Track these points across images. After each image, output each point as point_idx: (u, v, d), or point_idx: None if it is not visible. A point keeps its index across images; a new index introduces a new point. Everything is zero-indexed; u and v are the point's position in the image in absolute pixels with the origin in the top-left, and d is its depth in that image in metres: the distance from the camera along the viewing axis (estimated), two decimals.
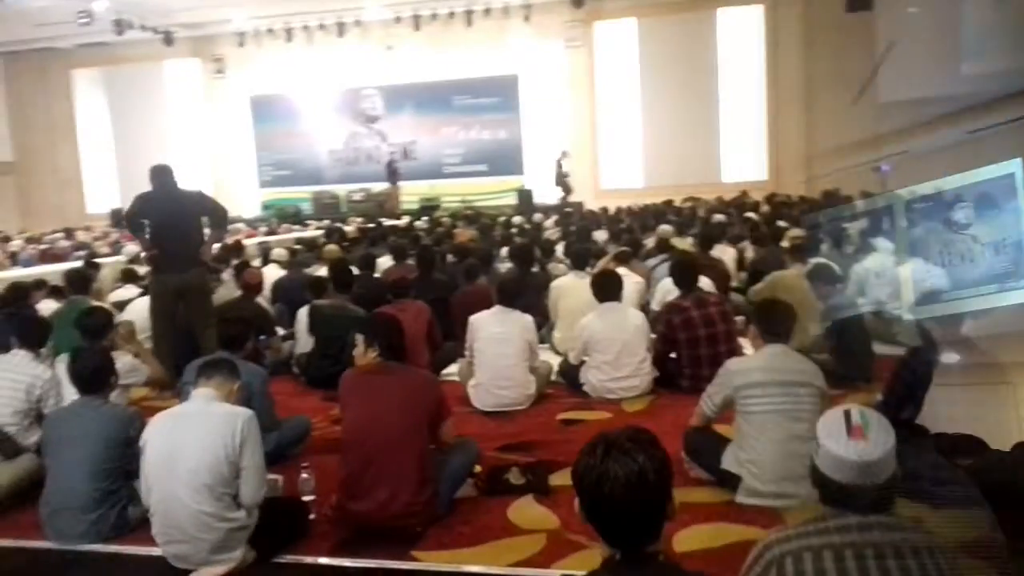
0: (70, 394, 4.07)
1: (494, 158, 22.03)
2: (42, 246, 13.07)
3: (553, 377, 5.83)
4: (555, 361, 6.00)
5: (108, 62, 23.20)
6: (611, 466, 1.80)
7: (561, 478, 4.09)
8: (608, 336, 5.39)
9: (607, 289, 5.58)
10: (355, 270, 7.83)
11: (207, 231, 6.45)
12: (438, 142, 22.33)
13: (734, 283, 8.25)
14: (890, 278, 6.64)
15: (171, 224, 6.04)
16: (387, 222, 15.33)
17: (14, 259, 10.67)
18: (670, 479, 1.86)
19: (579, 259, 7.02)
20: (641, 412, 5.18)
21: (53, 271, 8.33)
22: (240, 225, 16.93)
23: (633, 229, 10.87)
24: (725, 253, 9.01)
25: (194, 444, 3.15)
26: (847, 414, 2.11)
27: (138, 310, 6.31)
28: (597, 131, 21.83)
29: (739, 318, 6.91)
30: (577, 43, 21.52)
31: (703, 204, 16.99)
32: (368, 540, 3.47)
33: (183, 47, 22.18)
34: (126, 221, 6.34)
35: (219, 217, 6.49)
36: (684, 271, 5.85)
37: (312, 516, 3.68)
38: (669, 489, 1.85)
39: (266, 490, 3.70)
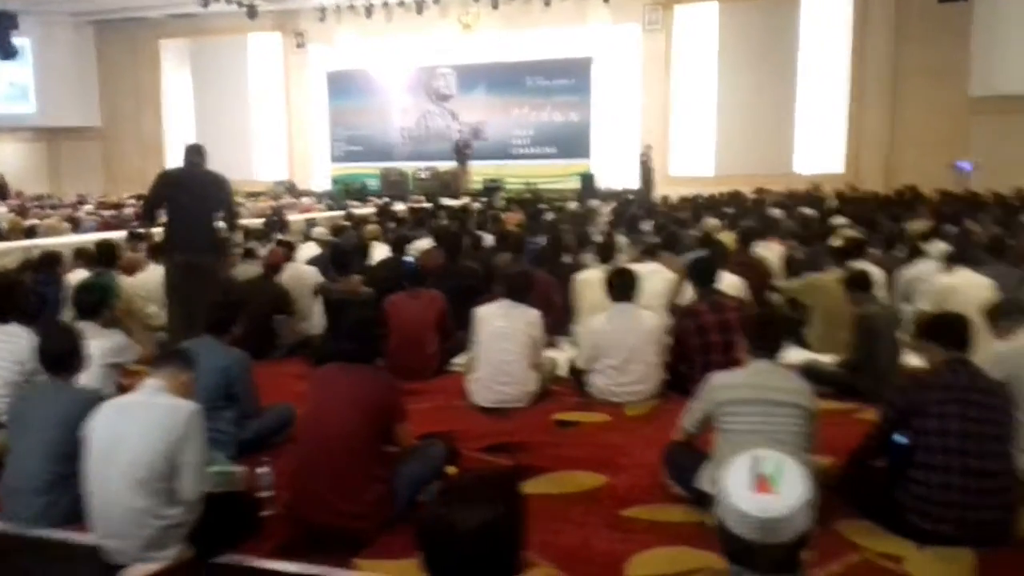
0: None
1: (563, 141, 21.75)
2: (110, 212, 13.42)
3: (563, 373, 5.65)
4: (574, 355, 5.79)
5: (194, 33, 23.73)
6: (458, 515, 1.62)
7: (537, 485, 3.95)
8: (616, 341, 5.15)
9: (620, 289, 5.33)
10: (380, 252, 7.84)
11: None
12: (508, 123, 22.15)
13: (779, 283, 7.89)
14: (935, 286, 6.28)
15: (189, 205, 6.07)
16: (446, 202, 15.28)
17: (76, 225, 10.93)
18: (522, 528, 1.68)
19: (605, 252, 6.78)
20: (640, 417, 4.97)
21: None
22: (306, 199, 17.15)
23: (684, 220, 10.54)
24: (771, 250, 8.62)
25: (133, 437, 3.08)
26: (755, 461, 1.90)
27: (150, 285, 6.36)
28: (670, 117, 21.34)
29: None
30: (656, 27, 21.01)
31: (773, 195, 16.44)
32: (315, 542, 3.37)
33: (266, 21, 22.45)
34: (144, 206, 6.38)
35: (231, 217, 6.49)
36: (702, 270, 5.55)
37: (268, 513, 3.60)
38: (520, 539, 1.67)
39: (222, 484, 3.69)
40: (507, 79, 21.99)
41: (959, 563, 3.08)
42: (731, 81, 20.74)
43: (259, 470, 3.69)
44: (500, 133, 22.20)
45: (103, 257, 6.14)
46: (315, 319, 6.59)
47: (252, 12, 20.31)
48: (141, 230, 8.39)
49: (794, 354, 6.30)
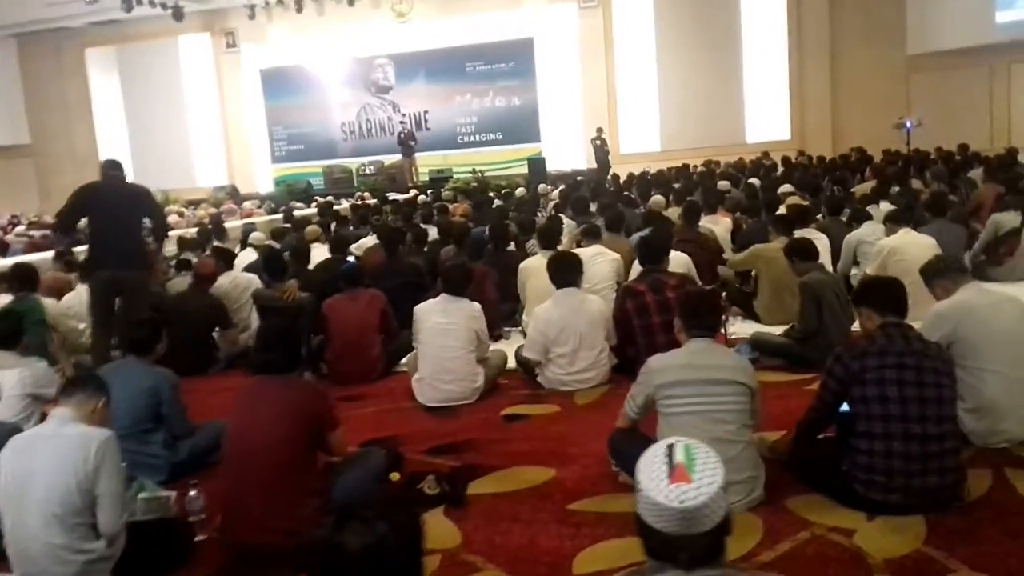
0: None
1: (509, 126, 21.63)
2: (41, 231, 13.00)
3: (512, 365, 5.53)
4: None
5: (121, 40, 23.21)
6: (346, 538, 1.53)
7: (483, 485, 3.84)
8: (564, 328, 5.04)
9: (561, 274, 5.23)
10: (321, 254, 7.65)
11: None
12: (451, 111, 21.97)
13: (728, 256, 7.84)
14: (878, 248, 6.26)
15: (111, 219, 5.87)
16: (392, 196, 15.06)
17: (4, 248, 10.55)
18: (418, 549, 1.58)
19: (547, 238, 6.67)
20: (592, 404, 4.87)
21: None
22: (248, 204, 16.81)
23: (633, 199, 10.46)
24: (719, 223, 8.58)
25: (44, 471, 2.90)
26: (669, 451, 1.80)
27: (79, 307, 6.13)
28: (615, 94, 21.29)
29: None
30: (592, 4, 20.95)
31: (722, 168, 16.46)
32: (250, 565, 3.22)
33: (194, 22, 22.01)
34: (57, 218, 6.18)
35: (159, 224, 6.30)
36: (650, 249, 5.46)
37: (201, 537, 3.44)
38: (417, 561, 1.57)
39: (153, 510, 3.53)
40: (447, 66, 21.80)
41: (909, 532, 3.02)
42: (672, 55, 20.75)
43: (189, 493, 3.52)
44: (444, 122, 22.01)
45: (22, 281, 5.88)
46: (255, 328, 6.39)
47: (178, 14, 19.85)
48: (65, 249, 8.12)
49: (742, 327, 6.28)
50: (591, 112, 21.07)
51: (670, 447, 1.81)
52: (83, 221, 6.08)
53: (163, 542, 3.33)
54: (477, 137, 21.89)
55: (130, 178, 19.42)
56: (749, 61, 20.60)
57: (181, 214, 15.35)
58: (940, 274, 4.04)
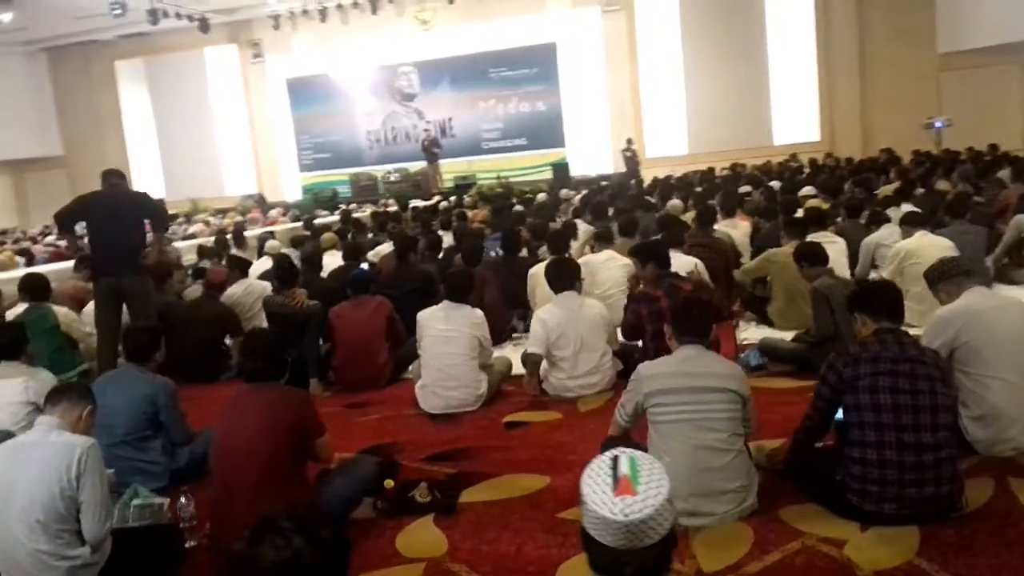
0: None
1: (533, 131, 21.62)
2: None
3: (518, 370, 5.48)
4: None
5: (149, 52, 23.54)
6: (262, 550, 1.49)
7: (476, 493, 3.81)
8: (564, 331, 5.00)
9: (560, 278, 5.20)
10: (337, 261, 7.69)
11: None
12: (476, 117, 22.01)
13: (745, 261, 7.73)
14: (894, 251, 6.15)
15: (110, 227, 5.94)
16: (415, 203, 15.11)
17: (31, 258, 10.73)
18: (338, 568, 1.54)
19: (557, 244, 6.63)
20: (594, 411, 4.80)
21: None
22: (274, 212, 16.96)
23: (654, 204, 10.37)
24: (737, 227, 8.49)
25: (28, 478, 2.92)
26: (614, 463, 1.76)
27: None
28: (640, 98, 21.19)
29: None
30: (615, 7, 20.87)
31: (749, 170, 16.31)
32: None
33: (220, 34, 22.26)
34: (56, 219, 6.27)
35: (160, 220, 6.35)
36: (647, 254, 5.38)
37: (191, 543, 3.45)
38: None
39: (146, 516, 3.55)
40: (471, 72, 21.84)
41: (901, 544, 2.94)
42: (697, 57, 20.61)
43: (180, 500, 3.53)
44: (469, 128, 22.05)
45: (34, 290, 5.96)
46: None
47: (204, 26, 20.09)
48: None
49: (756, 332, 6.20)
50: (616, 116, 21.00)
51: (615, 459, 1.77)
52: (83, 228, 6.16)
53: (155, 548, 3.33)
54: (502, 143, 21.90)
55: (160, 187, 19.95)
56: (776, 62, 20.40)
57: (207, 223, 15.53)
58: (944, 278, 3.94)
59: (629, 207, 9.52)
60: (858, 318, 3.37)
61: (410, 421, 4.98)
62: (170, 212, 19.92)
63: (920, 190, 9.53)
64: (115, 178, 6.17)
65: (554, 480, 3.86)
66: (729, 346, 5.62)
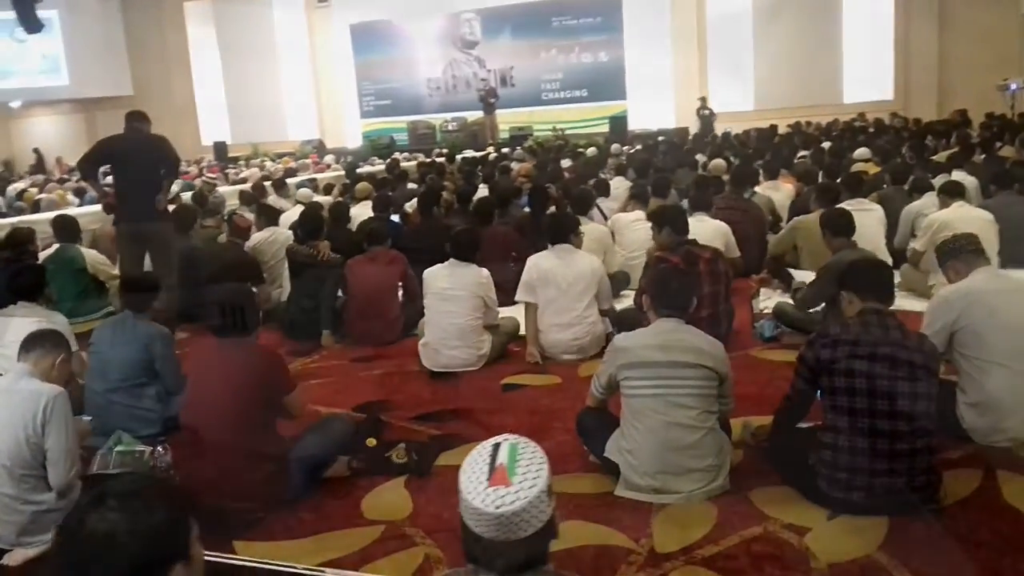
0: None
1: (594, 83, 21.25)
2: None
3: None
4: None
5: None
6: (91, 518, 1.41)
7: (454, 456, 3.76)
8: (553, 275, 5.01)
9: (555, 230, 5.20)
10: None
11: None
12: (537, 67, 21.71)
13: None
14: (930, 221, 5.86)
15: (133, 171, 5.98)
16: (467, 154, 15.02)
17: (81, 196, 10.99)
18: (166, 550, 1.45)
19: (580, 203, 6.51)
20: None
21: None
22: (329, 158, 17.06)
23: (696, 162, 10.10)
24: (780, 190, 8.22)
25: None
26: (494, 451, 1.70)
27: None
28: (706, 50, 20.60)
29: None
30: None
31: (812, 129, 15.79)
32: (206, 524, 3.26)
33: None
34: (78, 166, 6.34)
35: (171, 165, 6.37)
36: (665, 218, 5.23)
37: None
38: (154, 561, 1.43)
39: (127, 464, 3.62)
40: (534, 21, 21.50)
41: (866, 535, 2.82)
42: (768, 8, 19.89)
43: (156, 450, 3.60)
44: (529, 78, 21.76)
45: (63, 231, 6.10)
46: (287, 284, 6.49)
47: None
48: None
49: (776, 301, 6.00)
50: (681, 69, 20.47)
51: (496, 447, 1.71)
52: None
53: None
54: (562, 94, 21.58)
55: (225, 130, 20.13)
56: (851, 16, 19.56)
57: (262, 166, 15.72)
58: (954, 255, 3.73)
59: (670, 166, 9.27)
60: (845, 296, 3.21)
61: (410, 378, 4.98)
62: (231, 155, 20.39)
63: (982, 156, 9.07)
64: (138, 121, 6.18)
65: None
66: (744, 315, 5.47)
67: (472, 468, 1.69)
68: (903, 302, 5.57)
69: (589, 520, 3.11)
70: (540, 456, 1.71)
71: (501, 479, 1.65)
